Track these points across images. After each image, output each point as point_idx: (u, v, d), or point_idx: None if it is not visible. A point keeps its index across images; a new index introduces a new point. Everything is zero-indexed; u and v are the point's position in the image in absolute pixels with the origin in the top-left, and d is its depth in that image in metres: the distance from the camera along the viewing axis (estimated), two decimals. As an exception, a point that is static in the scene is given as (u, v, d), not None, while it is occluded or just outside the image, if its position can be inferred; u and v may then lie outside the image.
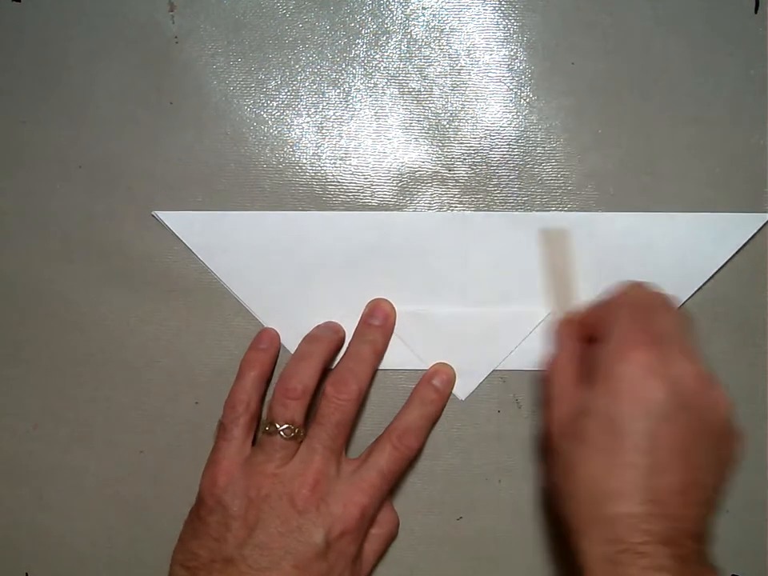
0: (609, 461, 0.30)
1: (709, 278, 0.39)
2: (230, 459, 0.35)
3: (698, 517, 0.30)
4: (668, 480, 0.29)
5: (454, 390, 0.39)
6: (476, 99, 0.40)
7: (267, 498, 0.34)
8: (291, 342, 0.39)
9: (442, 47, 0.40)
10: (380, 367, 0.39)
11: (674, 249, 0.39)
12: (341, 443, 0.36)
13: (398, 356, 0.39)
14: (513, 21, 0.40)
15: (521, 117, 0.40)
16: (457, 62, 0.40)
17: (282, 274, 0.39)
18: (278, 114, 0.40)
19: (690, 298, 0.39)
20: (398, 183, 0.40)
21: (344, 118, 0.40)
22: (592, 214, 0.39)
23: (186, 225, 0.40)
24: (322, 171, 0.40)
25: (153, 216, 0.40)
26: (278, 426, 0.35)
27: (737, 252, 0.39)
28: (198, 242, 0.40)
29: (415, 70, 0.40)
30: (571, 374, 0.35)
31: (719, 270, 0.39)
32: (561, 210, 0.39)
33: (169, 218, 0.40)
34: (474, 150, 0.40)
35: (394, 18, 0.40)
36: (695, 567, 0.29)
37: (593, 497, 0.30)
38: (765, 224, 0.39)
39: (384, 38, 0.40)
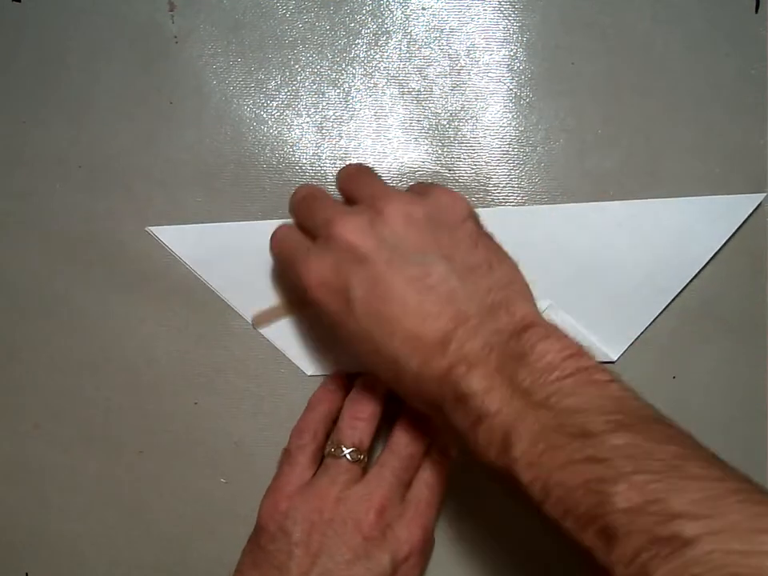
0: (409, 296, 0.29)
1: (707, 262, 0.38)
2: (292, 485, 0.34)
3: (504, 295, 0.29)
4: (456, 285, 0.29)
5: None
6: (476, 99, 0.40)
7: (331, 522, 0.33)
8: (290, 349, 0.39)
9: (441, 47, 0.40)
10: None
11: (670, 234, 0.38)
12: (411, 476, 0.35)
13: None
14: (513, 21, 0.40)
15: (521, 117, 0.40)
16: (457, 62, 0.40)
17: (278, 282, 0.39)
18: (278, 114, 0.40)
19: (685, 287, 0.39)
20: (397, 183, 0.40)
21: (344, 118, 0.40)
22: (584, 205, 0.39)
23: (180, 239, 0.39)
24: (322, 171, 0.40)
25: (147, 231, 0.40)
26: (344, 448, 0.34)
27: (733, 235, 0.38)
28: (194, 256, 0.39)
29: (415, 70, 0.40)
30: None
31: (710, 260, 0.39)
32: (561, 210, 0.39)
33: (163, 232, 0.40)
34: (473, 149, 0.40)
35: (394, 18, 0.40)
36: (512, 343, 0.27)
37: (414, 345, 0.29)
38: (759, 205, 0.38)
39: (384, 38, 0.40)
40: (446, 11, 0.40)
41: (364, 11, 0.40)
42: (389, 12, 0.40)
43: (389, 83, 0.40)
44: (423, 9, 0.40)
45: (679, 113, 0.39)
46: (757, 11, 0.39)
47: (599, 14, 0.40)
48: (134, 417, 0.40)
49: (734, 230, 0.38)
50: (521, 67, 0.40)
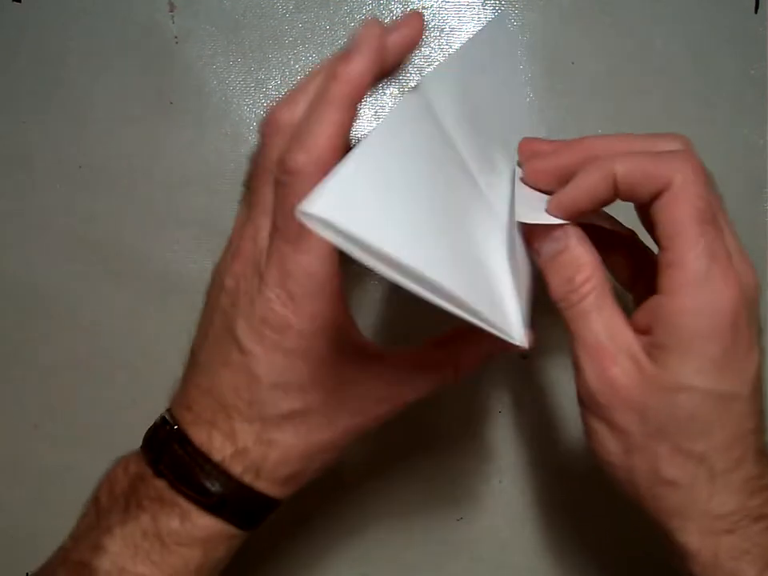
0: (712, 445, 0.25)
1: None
2: None
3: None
4: (762, 420, 0.26)
5: None
6: (476, 99, 0.40)
7: None
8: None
9: (441, 47, 0.40)
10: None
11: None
12: (309, 247, 0.24)
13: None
14: (513, 21, 0.40)
15: (521, 117, 0.40)
16: (457, 62, 0.40)
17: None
18: (278, 113, 0.40)
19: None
20: (397, 183, 0.40)
21: (344, 117, 0.40)
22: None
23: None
24: (322, 171, 0.40)
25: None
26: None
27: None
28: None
29: (415, 69, 0.40)
30: (613, 311, 0.26)
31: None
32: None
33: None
34: (474, 149, 0.40)
35: (394, 17, 0.40)
36: None
37: (699, 479, 0.25)
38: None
39: (384, 37, 0.40)
40: (445, 11, 0.40)
41: (364, 11, 0.40)
42: (389, 12, 0.40)
43: (389, 83, 0.40)
44: (423, 9, 0.40)
45: (679, 113, 0.39)
46: (756, 11, 0.39)
47: (599, 14, 0.40)
48: (134, 417, 0.40)
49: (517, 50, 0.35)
50: (521, 67, 0.40)
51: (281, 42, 0.40)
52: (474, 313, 0.22)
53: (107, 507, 0.27)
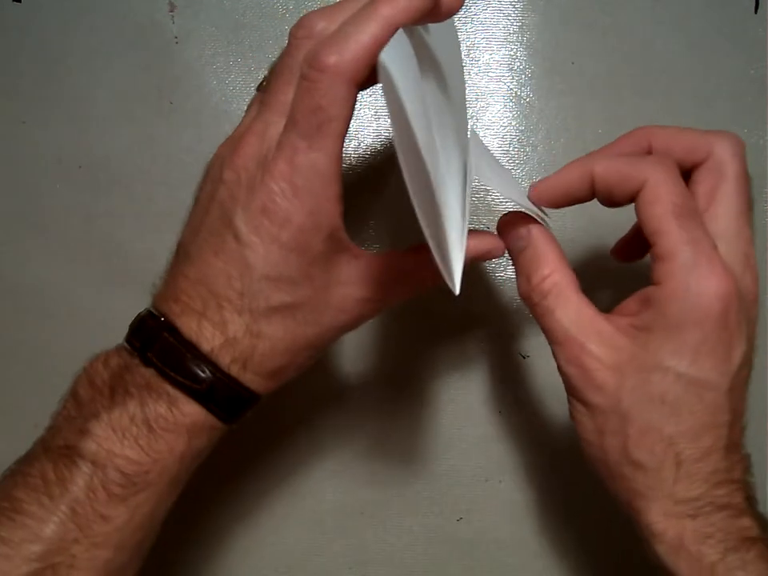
0: (693, 423, 0.26)
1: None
2: None
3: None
4: (738, 418, 0.27)
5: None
6: (476, 99, 0.40)
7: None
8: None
9: (441, 47, 0.40)
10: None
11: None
12: (323, 145, 0.25)
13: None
14: (513, 20, 0.40)
15: (521, 117, 0.40)
16: (457, 62, 0.40)
17: None
18: (278, 114, 0.40)
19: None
20: (399, 185, 0.40)
21: (344, 117, 0.40)
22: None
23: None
24: (322, 171, 0.40)
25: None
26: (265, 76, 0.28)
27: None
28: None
29: (415, 69, 0.40)
30: (581, 301, 0.27)
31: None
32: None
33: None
34: (473, 149, 0.40)
35: (394, 18, 0.40)
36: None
37: (665, 463, 0.26)
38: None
39: (384, 38, 0.40)
40: (445, 11, 0.40)
41: (364, 11, 0.40)
42: (389, 12, 0.40)
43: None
44: (423, 9, 0.40)
45: (679, 113, 0.39)
46: (756, 11, 0.39)
47: (599, 14, 0.40)
48: (133, 417, 0.40)
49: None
50: (521, 67, 0.40)
51: (281, 42, 0.40)
52: (437, 218, 0.24)
53: (89, 398, 0.27)
